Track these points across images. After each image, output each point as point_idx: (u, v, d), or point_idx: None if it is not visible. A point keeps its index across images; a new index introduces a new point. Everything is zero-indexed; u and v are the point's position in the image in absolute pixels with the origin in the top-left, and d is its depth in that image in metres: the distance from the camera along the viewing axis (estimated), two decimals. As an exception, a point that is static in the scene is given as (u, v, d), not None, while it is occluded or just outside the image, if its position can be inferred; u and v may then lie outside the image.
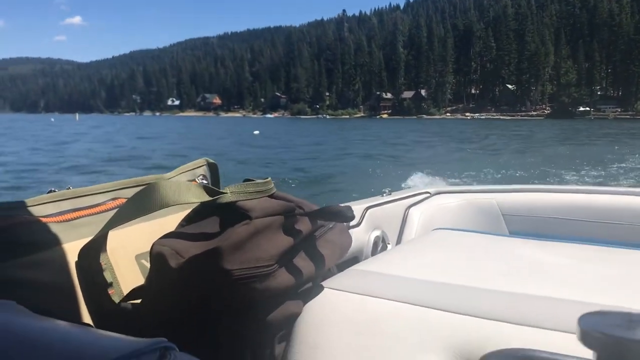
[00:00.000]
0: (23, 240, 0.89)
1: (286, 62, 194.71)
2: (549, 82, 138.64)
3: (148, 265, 0.83)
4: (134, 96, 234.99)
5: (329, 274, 0.99)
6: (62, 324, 0.52)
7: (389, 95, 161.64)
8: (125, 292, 0.90)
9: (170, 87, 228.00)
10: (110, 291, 0.88)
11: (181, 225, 0.90)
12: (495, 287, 0.86)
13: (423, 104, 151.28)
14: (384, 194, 1.95)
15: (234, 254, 0.75)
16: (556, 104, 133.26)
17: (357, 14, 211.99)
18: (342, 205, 0.86)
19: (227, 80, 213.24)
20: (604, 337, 0.37)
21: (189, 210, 0.91)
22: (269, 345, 0.85)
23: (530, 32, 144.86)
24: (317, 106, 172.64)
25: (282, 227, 0.82)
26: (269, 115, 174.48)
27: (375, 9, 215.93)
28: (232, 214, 0.80)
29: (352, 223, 1.63)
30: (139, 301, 0.87)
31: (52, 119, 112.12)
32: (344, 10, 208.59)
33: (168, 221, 1.12)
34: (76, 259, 0.85)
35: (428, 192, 2.09)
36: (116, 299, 0.88)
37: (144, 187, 0.77)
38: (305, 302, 0.87)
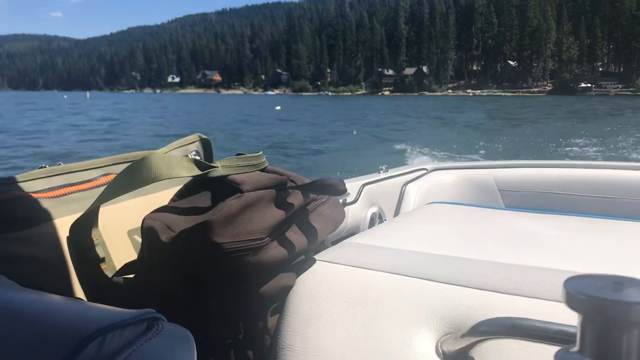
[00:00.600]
0: (14, 216, 0.89)
1: (287, 39, 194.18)
2: (551, 59, 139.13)
3: (140, 240, 0.84)
4: (133, 73, 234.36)
5: (322, 247, 0.99)
6: (50, 296, 0.52)
7: (390, 72, 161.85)
8: (118, 267, 0.90)
9: (170, 64, 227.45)
10: (102, 266, 0.89)
11: (173, 200, 0.90)
12: (488, 258, 0.86)
13: (425, 81, 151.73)
14: (381, 171, 1.95)
15: (225, 227, 0.75)
16: (557, 80, 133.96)
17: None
18: (336, 179, 0.86)
19: (227, 56, 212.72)
20: (588, 299, 0.38)
21: (181, 186, 0.91)
22: (261, 318, 0.85)
23: (532, 7, 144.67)
24: (319, 83, 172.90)
25: (274, 201, 0.82)
26: (270, 92, 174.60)
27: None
28: (223, 188, 0.80)
29: (349, 200, 1.66)
30: (131, 276, 0.87)
31: (65, 96, 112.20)
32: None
33: (160, 197, 1.11)
34: (67, 235, 0.86)
35: (425, 169, 2.10)
36: (109, 274, 0.88)
37: (134, 162, 0.77)
38: (298, 274, 0.88)
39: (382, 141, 18.46)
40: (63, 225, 0.92)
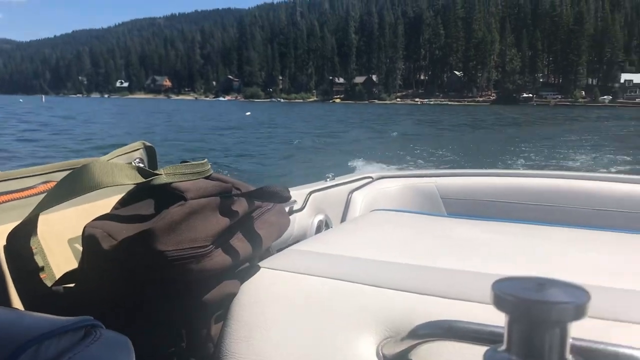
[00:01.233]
0: None
1: (238, 46, 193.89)
2: (495, 69, 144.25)
3: (81, 249, 0.82)
4: (80, 77, 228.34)
5: (267, 255, 0.99)
6: None
7: (341, 80, 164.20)
8: (58, 276, 0.88)
9: (118, 68, 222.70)
10: (42, 275, 0.86)
11: (115, 208, 0.88)
12: (427, 263, 0.88)
13: (374, 90, 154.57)
14: (328, 179, 1.98)
15: (168, 235, 0.74)
16: (501, 90, 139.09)
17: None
18: (280, 186, 0.86)
19: (177, 62, 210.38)
20: (513, 300, 0.40)
21: (124, 194, 0.90)
22: (205, 325, 0.84)
23: (477, 20, 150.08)
24: (271, 90, 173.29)
25: (218, 208, 0.81)
26: (221, 98, 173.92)
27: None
28: (167, 195, 0.79)
29: (296, 207, 1.67)
30: (72, 285, 0.85)
31: (21, 100, 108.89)
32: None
33: (102, 205, 1.10)
34: (4, 243, 0.83)
35: (370, 177, 2.14)
36: (48, 283, 0.86)
37: (75, 169, 0.75)
38: (242, 282, 0.87)
39: (329, 150, 19.01)
40: (0, 234, 0.89)
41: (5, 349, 0.38)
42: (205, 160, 0.86)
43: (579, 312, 0.39)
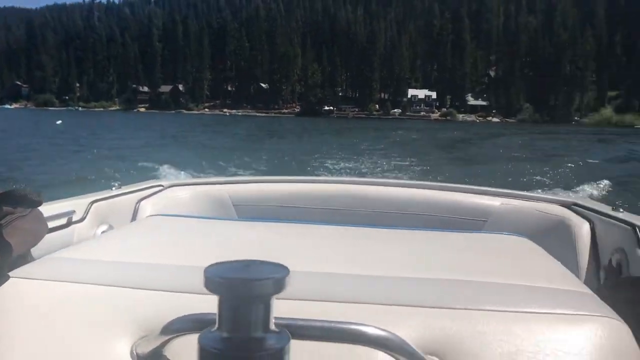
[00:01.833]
0: None
1: (27, 48, 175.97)
2: (298, 83, 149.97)
3: None
4: None
5: (23, 262, 0.94)
6: None
7: (145, 89, 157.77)
8: None
9: None
10: None
11: None
12: (193, 264, 0.88)
13: (181, 99, 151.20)
14: (114, 187, 1.92)
15: None
16: (304, 103, 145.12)
17: (104, 1, 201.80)
18: (30, 190, 0.84)
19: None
20: (221, 281, 0.44)
21: None
22: None
23: (280, 34, 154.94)
24: (67, 97, 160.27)
25: None
26: (7, 106, 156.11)
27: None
28: None
29: (75, 218, 1.61)
30: None
31: None
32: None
33: None
34: None
35: (161, 185, 2.13)
36: None
37: None
38: None
39: (121, 157, 18.29)
40: None
41: None
42: None
43: (278, 286, 0.43)
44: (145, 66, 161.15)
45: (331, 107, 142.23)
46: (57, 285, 0.83)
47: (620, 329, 0.83)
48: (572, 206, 2.28)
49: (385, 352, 0.64)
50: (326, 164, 18.29)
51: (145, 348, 0.70)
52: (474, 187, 2.52)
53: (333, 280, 0.82)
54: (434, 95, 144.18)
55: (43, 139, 29.75)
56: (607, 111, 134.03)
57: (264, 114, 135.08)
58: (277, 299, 0.44)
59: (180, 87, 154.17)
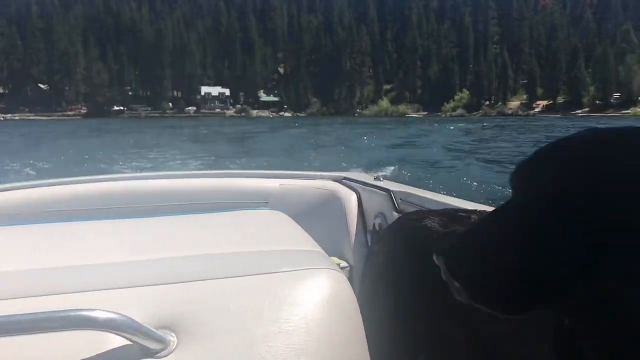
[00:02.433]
0: None
1: None
2: (83, 82, 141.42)
3: None
4: None
5: None
6: None
7: None
8: None
9: None
10: None
11: None
12: None
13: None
14: None
15: None
16: (92, 103, 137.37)
17: None
18: None
19: None
20: None
21: None
22: None
23: (58, 31, 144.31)
24: None
25: None
26: None
27: None
28: None
29: None
30: None
31: None
32: None
33: None
34: None
35: None
36: None
37: None
38: None
39: None
40: None
41: None
42: None
43: None
44: None
45: (122, 107, 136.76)
46: None
47: (338, 278, 0.94)
48: (343, 180, 2.50)
49: (117, 334, 0.65)
50: (119, 164, 17.99)
51: None
52: (255, 172, 2.70)
53: (64, 274, 0.81)
54: (227, 92, 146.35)
55: None
56: (384, 103, 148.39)
57: (46, 117, 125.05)
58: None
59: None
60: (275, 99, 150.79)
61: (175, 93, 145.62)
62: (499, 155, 21.83)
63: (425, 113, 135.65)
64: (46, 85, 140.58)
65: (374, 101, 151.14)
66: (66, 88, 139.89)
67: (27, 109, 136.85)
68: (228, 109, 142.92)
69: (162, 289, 0.82)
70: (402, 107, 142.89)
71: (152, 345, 0.71)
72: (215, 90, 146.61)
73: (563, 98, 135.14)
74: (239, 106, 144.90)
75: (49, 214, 1.97)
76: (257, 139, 34.68)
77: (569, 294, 0.66)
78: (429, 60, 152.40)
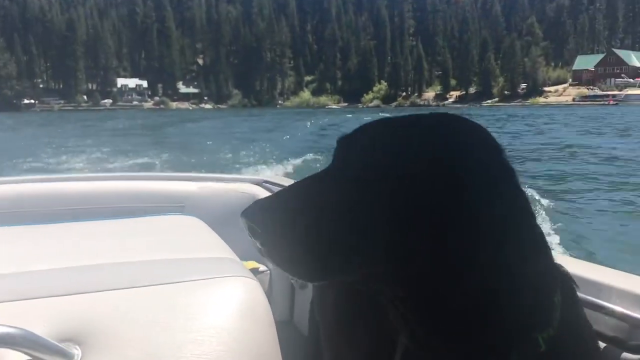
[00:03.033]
0: None
1: None
2: None
3: None
4: None
5: None
6: None
7: None
8: None
9: None
10: None
11: None
12: None
13: None
14: None
15: None
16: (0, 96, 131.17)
17: None
18: None
19: None
20: None
21: None
22: None
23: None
24: None
25: None
26: None
27: None
28: None
29: None
30: None
31: None
32: None
33: None
34: None
35: None
36: None
37: None
38: None
39: None
40: None
41: None
42: None
43: None
44: None
45: (33, 101, 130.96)
46: None
47: (251, 285, 0.94)
48: (263, 183, 2.46)
49: (15, 349, 0.61)
50: (28, 161, 16.95)
51: None
52: (171, 174, 2.63)
53: None
54: (145, 84, 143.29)
55: None
56: (306, 94, 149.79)
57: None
58: None
59: None
60: (195, 90, 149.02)
61: (90, 85, 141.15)
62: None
63: (346, 104, 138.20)
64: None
65: (295, 93, 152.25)
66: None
67: None
68: (146, 101, 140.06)
69: (66, 300, 0.79)
70: (323, 99, 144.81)
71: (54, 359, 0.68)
72: (132, 82, 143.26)
73: (475, 89, 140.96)
74: (157, 98, 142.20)
75: None
76: (175, 132, 34.37)
77: (365, 262, 0.71)
78: (349, 53, 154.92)
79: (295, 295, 2.47)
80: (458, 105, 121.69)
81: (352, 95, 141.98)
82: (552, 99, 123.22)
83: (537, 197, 8.79)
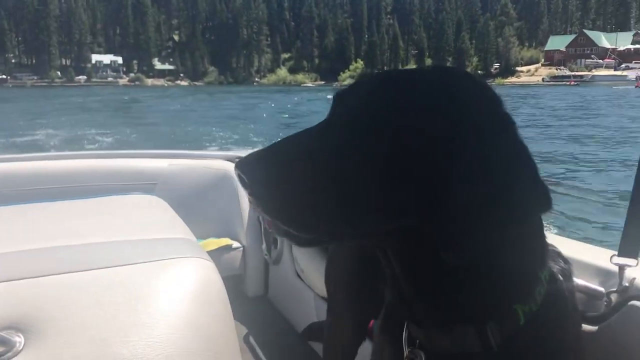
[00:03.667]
0: None
1: None
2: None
3: None
4: None
5: None
6: None
7: None
8: None
9: None
10: None
11: None
12: None
13: None
14: None
15: None
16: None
17: None
18: None
19: None
20: None
21: None
22: None
23: None
24: None
25: None
26: None
27: None
28: None
29: None
30: None
31: None
32: None
33: None
34: None
35: None
36: None
37: None
38: None
39: None
40: None
41: None
42: None
43: None
44: None
45: (4, 76, 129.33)
46: None
47: (205, 266, 0.93)
48: (236, 160, 2.43)
49: None
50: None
51: None
52: (144, 152, 2.58)
53: None
54: (119, 60, 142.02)
55: None
56: (282, 72, 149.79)
57: None
58: None
59: None
60: (171, 67, 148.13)
61: (64, 61, 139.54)
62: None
63: (323, 82, 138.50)
64: None
65: (272, 70, 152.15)
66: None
67: None
68: (121, 77, 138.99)
69: (8, 286, 0.76)
70: (300, 77, 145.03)
71: None
72: (107, 59, 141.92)
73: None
74: (132, 75, 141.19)
75: None
76: (149, 109, 34.61)
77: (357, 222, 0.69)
78: (325, 30, 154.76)
79: (269, 270, 2.50)
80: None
81: (328, 74, 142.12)
82: (524, 78, 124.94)
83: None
